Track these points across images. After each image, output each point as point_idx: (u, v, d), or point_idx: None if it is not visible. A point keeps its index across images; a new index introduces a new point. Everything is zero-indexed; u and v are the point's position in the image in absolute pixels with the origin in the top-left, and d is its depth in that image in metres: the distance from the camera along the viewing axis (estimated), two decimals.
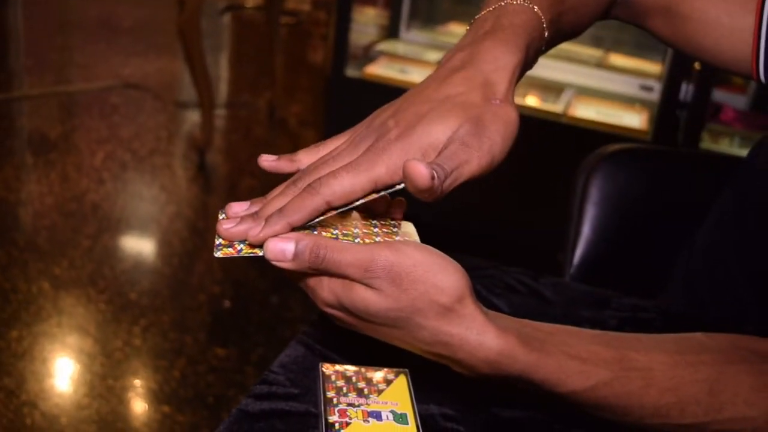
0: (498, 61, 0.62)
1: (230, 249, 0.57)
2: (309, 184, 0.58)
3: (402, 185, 0.57)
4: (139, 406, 1.85)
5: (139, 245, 2.61)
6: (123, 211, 2.71)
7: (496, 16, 0.66)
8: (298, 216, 0.57)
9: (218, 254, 0.57)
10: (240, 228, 0.57)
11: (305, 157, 0.64)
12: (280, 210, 0.57)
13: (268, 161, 0.63)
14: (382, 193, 0.58)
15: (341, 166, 0.58)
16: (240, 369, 2.00)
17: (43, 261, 2.33)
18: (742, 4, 0.77)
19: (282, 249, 0.55)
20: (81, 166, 2.95)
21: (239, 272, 2.44)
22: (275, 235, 0.56)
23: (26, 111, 3.50)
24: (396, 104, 0.63)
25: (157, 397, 1.87)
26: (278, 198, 0.59)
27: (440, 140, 0.58)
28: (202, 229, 2.66)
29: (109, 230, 2.56)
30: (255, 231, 0.56)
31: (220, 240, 0.58)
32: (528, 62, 0.66)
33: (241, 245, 0.57)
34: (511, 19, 0.65)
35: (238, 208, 0.61)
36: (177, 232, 2.61)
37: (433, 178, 0.53)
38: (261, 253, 0.56)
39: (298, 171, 0.63)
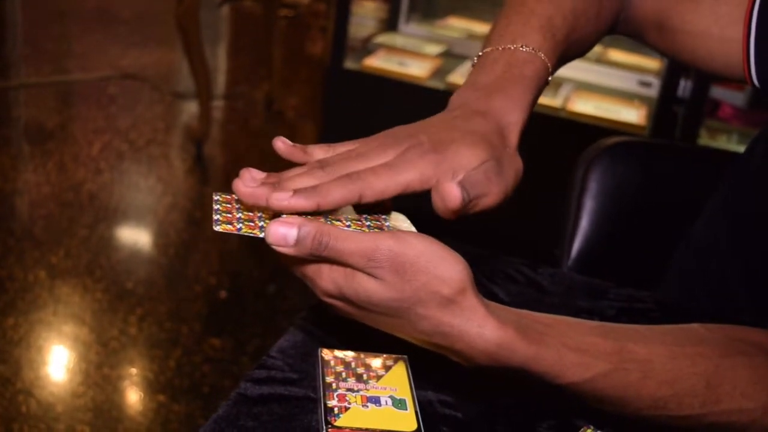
0: (509, 116, 0.67)
1: (230, 225, 0.56)
2: (347, 174, 0.58)
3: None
4: (134, 395, 1.85)
5: (136, 235, 2.61)
6: (120, 201, 2.70)
7: (506, 63, 0.70)
8: (330, 198, 0.57)
9: (218, 228, 0.56)
10: (261, 190, 0.57)
11: (318, 153, 0.63)
12: (314, 188, 0.57)
13: (284, 144, 0.62)
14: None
15: (379, 165, 0.59)
16: (236, 359, 2.00)
17: (40, 250, 2.33)
18: (729, 14, 0.79)
19: (284, 234, 0.54)
20: (78, 156, 2.94)
21: (235, 263, 2.44)
22: (299, 209, 0.56)
23: (23, 100, 3.50)
24: (418, 125, 0.65)
25: (152, 387, 1.87)
26: (304, 177, 0.59)
27: (470, 165, 0.61)
28: (199, 219, 2.66)
29: (106, 220, 2.56)
30: (281, 196, 0.56)
31: (219, 216, 0.57)
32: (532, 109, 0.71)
33: (241, 224, 0.57)
34: (521, 70, 0.69)
35: (257, 174, 0.60)
36: (173, 223, 2.61)
37: (463, 200, 0.57)
38: (261, 235, 0.55)
39: (307, 163, 0.62)
